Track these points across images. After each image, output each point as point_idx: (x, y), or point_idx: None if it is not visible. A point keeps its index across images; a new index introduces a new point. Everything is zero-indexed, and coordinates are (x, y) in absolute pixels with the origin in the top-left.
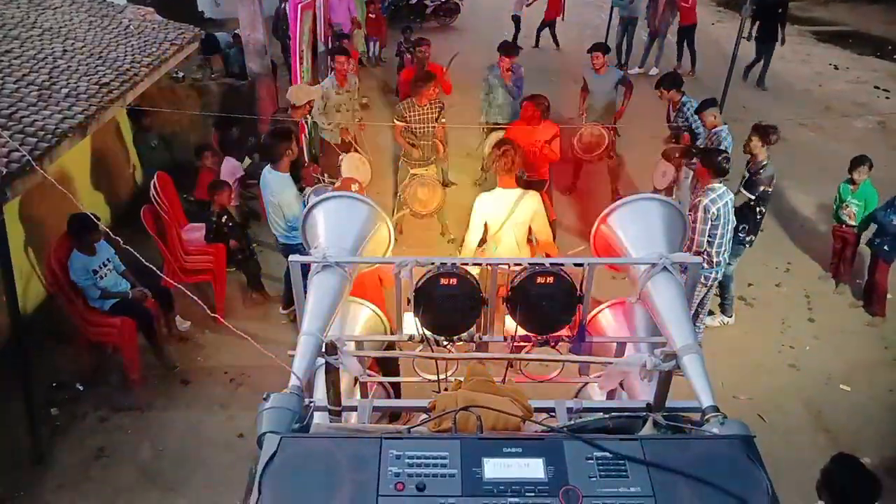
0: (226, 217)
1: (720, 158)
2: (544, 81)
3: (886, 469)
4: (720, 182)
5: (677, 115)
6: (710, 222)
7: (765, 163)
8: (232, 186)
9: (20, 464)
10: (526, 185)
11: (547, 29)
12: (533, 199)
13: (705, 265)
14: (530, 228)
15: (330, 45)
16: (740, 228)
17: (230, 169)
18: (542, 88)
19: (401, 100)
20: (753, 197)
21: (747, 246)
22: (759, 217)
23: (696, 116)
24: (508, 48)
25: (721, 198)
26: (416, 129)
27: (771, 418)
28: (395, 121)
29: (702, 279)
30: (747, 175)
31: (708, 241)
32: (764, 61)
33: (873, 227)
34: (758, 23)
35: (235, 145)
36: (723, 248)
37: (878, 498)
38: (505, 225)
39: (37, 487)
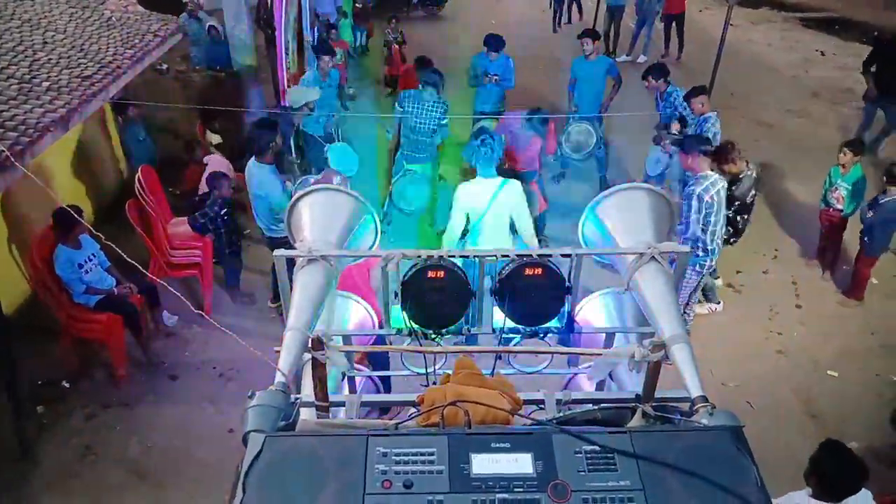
0: (226, 209)
1: (702, 148)
2: (533, 70)
3: (873, 454)
4: (712, 169)
5: (664, 105)
6: (703, 211)
7: (741, 176)
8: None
9: (5, 462)
10: (514, 175)
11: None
12: (514, 189)
13: (700, 252)
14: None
15: (316, 35)
16: (739, 221)
17: (217, 165)
18: (531, 77)
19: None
20: (729, 212)
21: (730, 245)
22: (741, 226)
23: (684, 103)
24: (495, 41)
25: (714, 185)
26: (415, 123)
27: (759, 405)
28: (396, 106)
29: (696, 267)
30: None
31: (702, 228)
32: (886, 127)
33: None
34: (874, 70)
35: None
36: (716, 236)
37: (865, 483)
38: (486, 215)
39: (23, 486)
